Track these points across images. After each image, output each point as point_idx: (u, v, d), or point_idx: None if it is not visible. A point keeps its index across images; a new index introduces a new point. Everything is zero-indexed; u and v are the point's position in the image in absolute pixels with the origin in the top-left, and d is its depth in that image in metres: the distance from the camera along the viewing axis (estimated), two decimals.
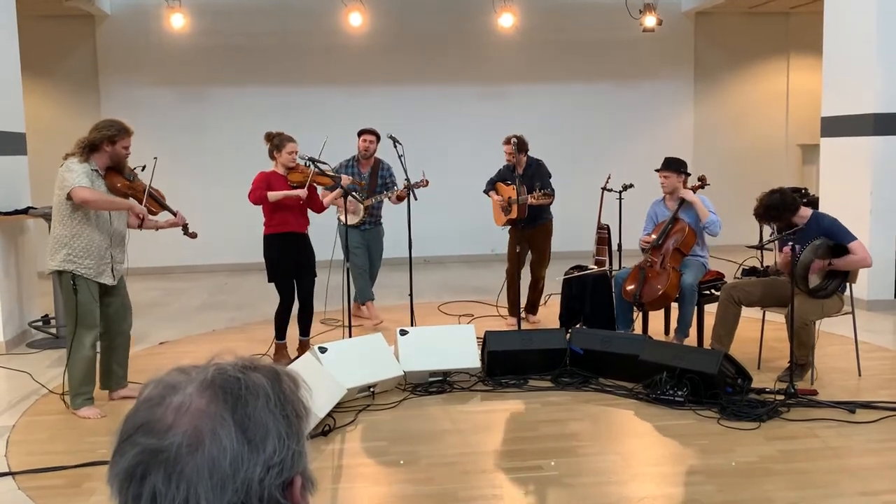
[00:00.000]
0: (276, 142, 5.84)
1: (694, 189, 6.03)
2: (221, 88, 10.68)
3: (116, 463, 0.88)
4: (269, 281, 5.94)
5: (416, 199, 6.36)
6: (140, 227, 5.08)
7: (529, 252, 7.03)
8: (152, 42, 10.34)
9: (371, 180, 7.03)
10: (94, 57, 10.44)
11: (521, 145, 6.83)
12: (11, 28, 6.96)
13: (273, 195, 5.69)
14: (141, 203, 4.97)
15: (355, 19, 9.78)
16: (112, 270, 4.94)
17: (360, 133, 7.10)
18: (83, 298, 4.79)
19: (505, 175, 6.96)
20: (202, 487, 0.85)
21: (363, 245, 7.04)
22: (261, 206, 5.80)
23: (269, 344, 6.05)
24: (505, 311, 7.23)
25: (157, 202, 5.10)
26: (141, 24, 10.29)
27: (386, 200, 6.94)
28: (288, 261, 5.85)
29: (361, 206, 6.84)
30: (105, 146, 4.80)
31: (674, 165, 6.06)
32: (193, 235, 5.33)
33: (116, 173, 4.90)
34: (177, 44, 10.31)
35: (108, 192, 4.83)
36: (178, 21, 9.68)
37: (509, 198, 6.71)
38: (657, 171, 6.13)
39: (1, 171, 6.54)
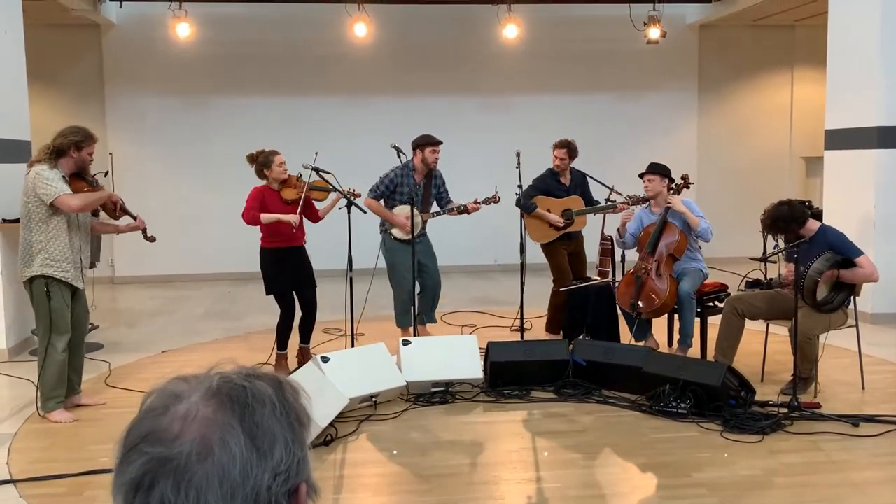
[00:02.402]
0: (262, 160, 5.82)
1: (678, 189, 6.00)
2: (226, 98, 10.71)
3: (122, 473, 0.87)
4: (267, 294, 5.94)
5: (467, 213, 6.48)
6: (104, 230, 5.29)
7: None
8: (158, 51, 10.39)
9: (425, 190, 6.55)
10: (100, 66, 10.49)
11: (574, 151, 6.67)
12: (18, 36, 7.00)
13: (266, 218, 5.67)
14: (106, 209, 5.08)
15: (360, 30, 9.81)
16: (81, 273, 4.96)
17: (430, 144, 6.44)
18: (56, 304, 4.79)
19: (550, 186, 6.62)
20: (212, 495, 0.85)
21: (410, 265, 6.24)
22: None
23: (270, 353, 6.05)
24: (511, 322, 7.22)
25: (118, 206, 5.13)
26: (146, 34, 10.33)
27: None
28: (284, 275, 5.86)
29: (420, 220, 6.43)
30: (72, 152, 4.85)
31: (658, 169, 6.08)
32: (152, 239, 5.31)
33: (80, 179, 4.93)
34: (182, 53, 10.35)
35: None
36: (183, 30, 9.71)
37: (565, 210, 6.54)
38: (640, 175, 6.12)
39: (6, 178, 6.55)
